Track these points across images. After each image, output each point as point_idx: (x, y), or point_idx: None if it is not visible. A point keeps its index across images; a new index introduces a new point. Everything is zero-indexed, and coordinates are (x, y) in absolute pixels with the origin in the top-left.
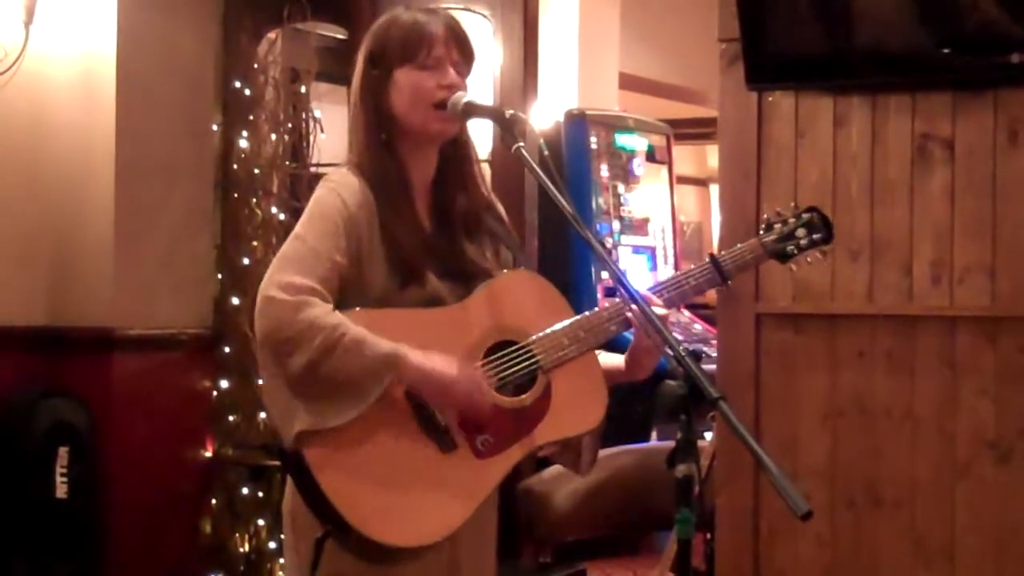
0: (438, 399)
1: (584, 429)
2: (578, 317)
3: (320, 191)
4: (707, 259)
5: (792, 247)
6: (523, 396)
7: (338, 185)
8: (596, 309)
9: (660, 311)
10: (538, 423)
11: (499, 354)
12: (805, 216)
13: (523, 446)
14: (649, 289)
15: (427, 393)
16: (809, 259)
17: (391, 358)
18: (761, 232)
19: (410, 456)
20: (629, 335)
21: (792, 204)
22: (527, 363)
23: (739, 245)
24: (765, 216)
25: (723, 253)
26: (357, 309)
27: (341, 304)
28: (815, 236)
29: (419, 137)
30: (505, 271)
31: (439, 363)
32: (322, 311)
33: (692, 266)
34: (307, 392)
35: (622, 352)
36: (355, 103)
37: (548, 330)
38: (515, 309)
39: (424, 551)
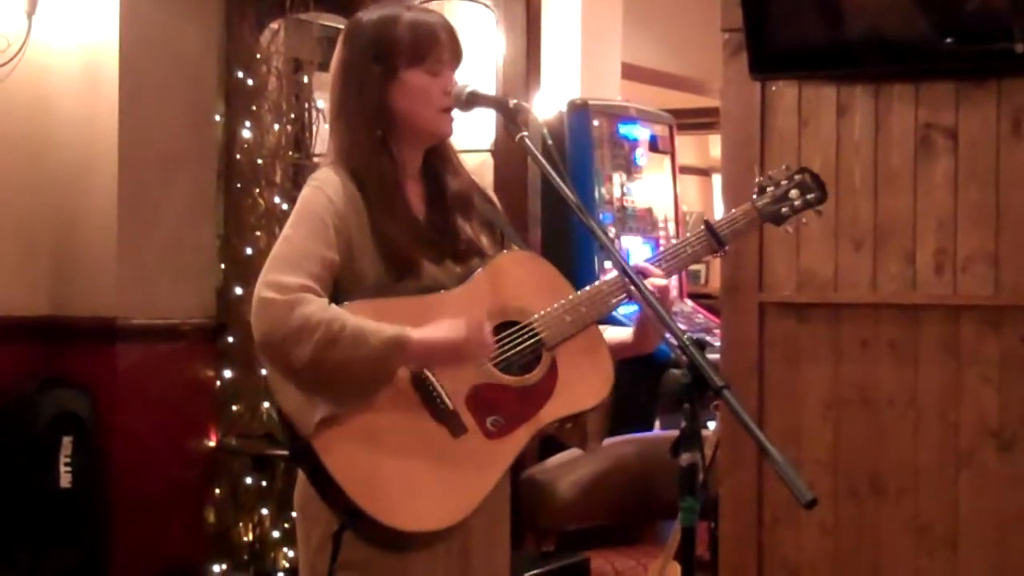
0: (452, 366)
1: (592, 403)
2: (578, 293)
3: (305, 190)
4: (702, 226)
5: (786, 209)
6: (529, 375)
7: (322, 183)
8: (596, 283)
9: (660, 281)
10: (546, 401)
11: (502, 335)
12: (797, 177)
13: (533, 424)
14: (647, 260)
15: (440, 364)
16: (804, 219)
17: (395, 341)
18: (754, 196)
19: (421, 441)
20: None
21: (784, 166)
22: (530, 342)
23: (733, 210)
24: (757, 179)
25: (718, 219)
26: (359, 300)
27: (338, 300)
28: (808, 196)
29: (419, 136)
30: (504, 252)
31: (443, 330)
32: (317, 307)
33: (688, 234)
34: (316, 386)
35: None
36: (347, 97)
37: (549, 308)
38: (515, 290)
39: (436, 538)
